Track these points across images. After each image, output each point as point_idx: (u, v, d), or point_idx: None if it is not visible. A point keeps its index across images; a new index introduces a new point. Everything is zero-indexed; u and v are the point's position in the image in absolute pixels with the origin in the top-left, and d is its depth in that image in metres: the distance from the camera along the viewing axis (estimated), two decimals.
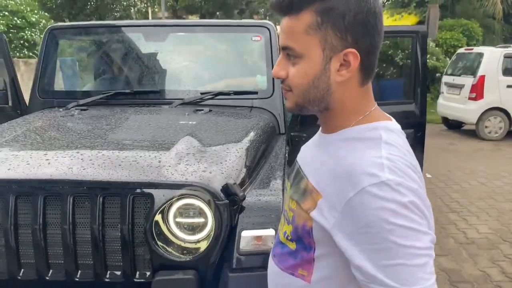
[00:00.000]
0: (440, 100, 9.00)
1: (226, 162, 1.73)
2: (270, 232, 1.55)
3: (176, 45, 2.95)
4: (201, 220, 1.59)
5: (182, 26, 2.93)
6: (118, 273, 1.58)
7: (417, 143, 3.03)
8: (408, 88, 3.16)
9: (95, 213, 1.55)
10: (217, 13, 21.39)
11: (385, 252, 0.70)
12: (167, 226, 1.59)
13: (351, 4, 0.75)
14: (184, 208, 1.59)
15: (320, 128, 0.90)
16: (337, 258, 0.78)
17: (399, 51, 8.34)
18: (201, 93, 2.66)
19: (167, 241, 1.58)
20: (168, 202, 1.56)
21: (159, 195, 1.55)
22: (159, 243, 1.56)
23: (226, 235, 1.55)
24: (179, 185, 1.55)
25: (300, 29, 0.77)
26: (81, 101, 2.64)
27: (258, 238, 1.56)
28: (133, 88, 2.79)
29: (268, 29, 2.74)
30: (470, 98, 8.00)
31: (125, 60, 2.96)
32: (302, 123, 2.84)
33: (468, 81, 8.09)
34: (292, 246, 0.87)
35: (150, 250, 1.56)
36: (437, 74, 11.61)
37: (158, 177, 1.57)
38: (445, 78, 8.99)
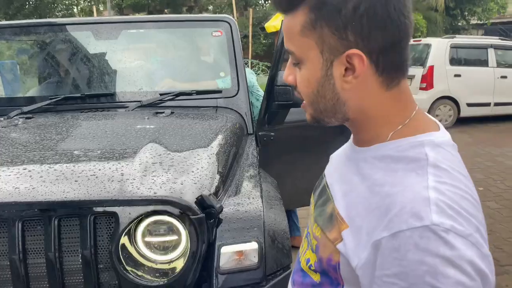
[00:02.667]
0: None
1: (198, 171, 1.57)
2: (253, 245, 1.41)
3: (130, 43, 2.73)
4: (174, 237, 1.42)
5: (136, 23, 2.71)
6: None
7: None
8: None
9: (49, 239, 1.35)
10: (165, 10, 20.86)
11: None
12: (135, 247, 1.41)
13: None
14: (153, 225, 1.42)
15: (352, 137, 0.75)
16: None
17: None
18: (160, 94, 2.47)
19: (137, 264, 1.40)
20: (135, 221, 1.38)
21: (124, 213, 1.36)
22: (127, 267, 1.37)
23: (203, 253, 1.39)
24: (147, 200, 1.37)
25: (296, 29, 0.65)
26: (25, 108, 2.35)
27: (239, 253, 1.41)
28: (83, 91, 2.54)
29: (229, 24, 2.58)
30: (421, 88, 8.24)
31: (73, 61, 2.69)
32: (270, 121, 2.71)
33: (418, 71, 8.32)
34: (316, 278, 0.74)
35: (117, 276, 1.37)
36: None
37: (121, 193, 1.38)
38: None
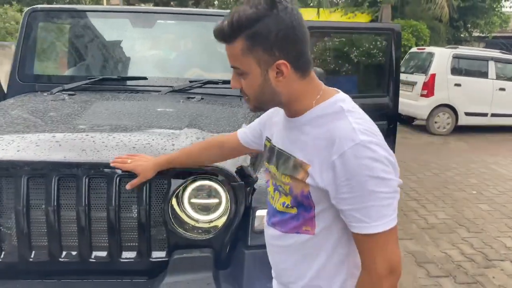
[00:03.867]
0: None
1: None
2: None
3: (163, 33, 2.95)
4: (215, 200, 1.65)
5: (171, 14, 2.93)
6: (134, 253, 1.62)
7: (390, 134, 3.23)
8: (382, 82, 3.35)
9: (111, 195, 1.57)
10: (172, 3, 20.97)
11: (361, 198, 0.92)
12: (182, 207, 1.64)
13: (271, 26, 0.93)
14: (198, 190, 1.65)
15: (284, 113, 1.09)
16: (332, 210, 1.00)
17: (354, 48, 8.70)
18: (190, 81, 2.69)
19: (182, 222, 1.63)
20: (184, 184, 1.61)
21: (176, 176, 1.59)
22: (175, 223, 1.61)
23: (241, 214, 1.63)
24: (196, 167, 1.61)
25: (237, 53, 0.97)
26: (67, 86, 2.58)
27: None
28: (120, 74, 2.76)
29: None
30: (422, 95, 8.51)
31: (110, 45, 2.91)
32: None
33: (420, 78, 8.59)
34: (293, 211, 1.07)
35: (166, 230, 1.61)
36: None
37: None
38: None
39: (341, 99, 1.02)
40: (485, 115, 8.71)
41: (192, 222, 1.65)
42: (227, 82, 2.72)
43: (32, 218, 1.58)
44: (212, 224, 1.65)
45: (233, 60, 0.99)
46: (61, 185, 1.58)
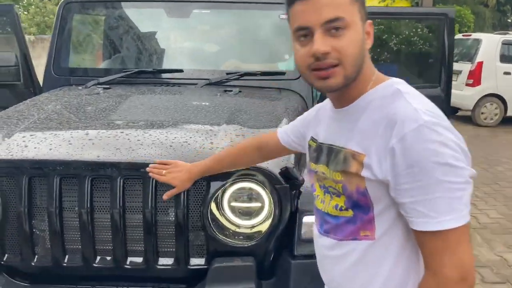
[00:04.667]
0: None
1: None
2: None
3: (199, 23, 2.82)
4: (257, 204, 1.52)
5: (207, 2, 2.79)
6: (171, 259, 1.51)
7: None
8: (433, 72, 3.10)
9: (147, 197, 1.46)
10: None
11: (426, 188, 0.78)
12: (222, 211, 1.51)
13: None
14: (238, 192, 1.52)
15: (331, 105, 0.98)
16: (394, 209, 0.86)
17: (393, 36, 8.31)
18: (227, 73, 2.56)
19: (222, 226, 1.51)
20: (225, 186, 1.48)
21: (215, 178, 1.47)
22: (214, 228, 1.48)
23: (286, 221, 1.48)
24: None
25: (346, 0, 0.85)
26: (102, 79, 2.50)
27: None
28: (155, 66, 2.67)
29: None
30: (467, 84, 8.05)
31: (145, 36, 2.82)
32: None
33: (465, 67, 8.13)
34: (349, 214, 0.93)
35: (206, 236, 1.49)
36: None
37: None
38: None
39: (397, 82, 0.92)
40: None
41: (232, 227, 1.52)
42: (266, 73, 2.59)
43: (65, 220, 1.50)
44: (254, 230, 1.52)
45: (336, 9, 0.83)
46: (94, 186, 1.48)
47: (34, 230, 1.52)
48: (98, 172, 1.47)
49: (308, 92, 2.61)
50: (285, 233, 1.50)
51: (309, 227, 1.48)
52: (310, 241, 1.47)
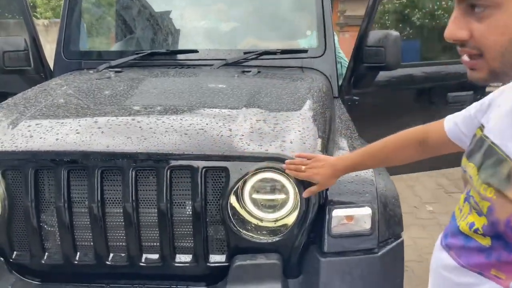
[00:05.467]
0: None
1: (304, 130, 1.50)
2: (366, 210, 1.34)
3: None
4: (281, 196, 1.39)
5: None
6: (189, 256, 1.40)
7: None
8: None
9: (161, 189, 1.35)
10: None
11: None
12: (242, 203, 1.39)
13: None
14: (260, 183, 1.39)
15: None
16: None
17: (416, 10, 7.95)
18: (244, 53, 2.40)
19: (243, 220, 1.39)
20: (245, 177, 1.35)
21: (236, 169, 1.33)
22: (236, 222, 1.36)
23: (314, 214, 1.35)
24: (259, 156, 1.34)
25: None
26: (113, 62, 2.37)
27: (349, 217, 1.36)
28: (169, 47, 2.53)
29: None
30: None
31: (158, 16, 2.67)
32: (355, 84, 2.59)
33: None
34: (485, 242, 0.73)
35: (226, 230, 1.36)
36: None
37: (233, 148, 1.35)
38: None
39: None
40: None
41: (254, 221, 1.39)
42: (286, 51, 2.42)
43: (75, 215, 1.39)
44: (278, 224, 1.39)
45: None
46: (104, 178, 1.37)
47: (43, 226, 1.42)
48: (108, 164, 1.36)
49: (333, 70, 2.44)
50: (313, 228, 1.37)
51: (339, 221, 1.35)
52: (341, 236, 1.35)
